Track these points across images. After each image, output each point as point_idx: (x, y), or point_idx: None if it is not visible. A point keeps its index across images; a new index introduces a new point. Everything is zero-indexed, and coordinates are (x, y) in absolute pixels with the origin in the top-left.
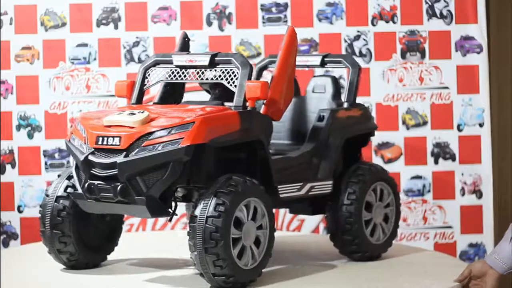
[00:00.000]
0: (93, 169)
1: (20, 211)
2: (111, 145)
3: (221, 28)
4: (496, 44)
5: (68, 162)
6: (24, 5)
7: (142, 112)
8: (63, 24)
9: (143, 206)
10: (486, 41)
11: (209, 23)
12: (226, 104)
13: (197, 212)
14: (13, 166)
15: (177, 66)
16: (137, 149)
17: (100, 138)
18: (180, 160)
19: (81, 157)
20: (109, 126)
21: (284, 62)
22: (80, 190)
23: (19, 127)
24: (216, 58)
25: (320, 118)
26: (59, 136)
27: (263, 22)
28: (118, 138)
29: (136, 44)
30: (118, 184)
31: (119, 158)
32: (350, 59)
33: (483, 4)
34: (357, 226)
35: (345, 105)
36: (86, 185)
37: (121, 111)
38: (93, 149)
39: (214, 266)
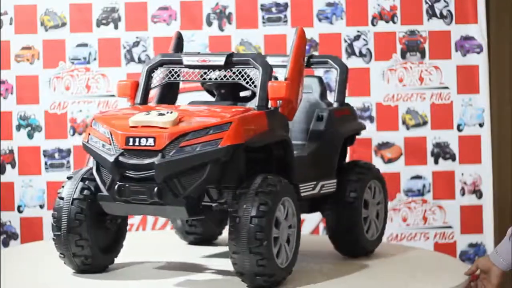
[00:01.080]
0: (125, 171)
1: (20, 211)
2: (145, 146)
3: (221, 28)
4: (496, 44)
5: (68, 162)
6: (24, 5)
7: (171, 113)
8: (63, 24)
9: (181, 207)
10: (486, 41)
11: (209, 23)
12: (238, 104)
13: (240, 212)
14: (13, 166)
15: (187, 66)
16: (174, 150)
17: (131, 139)
18: (219, 161)
19: (111, 159)
20: (135, 127)
21: (296, 62)
22: (105, 192)
23: (19, 127)
24: (232, 58)
25: (319, 118)
26: (59, 136)
27: (263, 22)
28: (152, 139)
29: (136, 44)
30: (154, 185)
31: (157, 159)
32: (337, 60)
33: (483, 4)
34: (358, 223)
35: (335, 105)
36: (116, 187)
37: (146, 111)
38: (122, 150)
39: (257, 266)
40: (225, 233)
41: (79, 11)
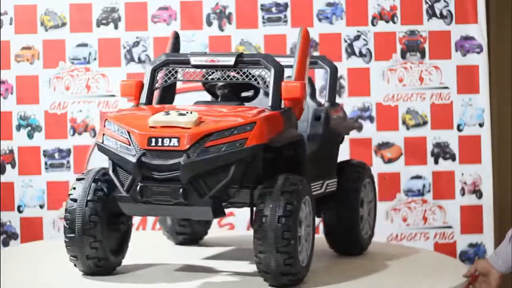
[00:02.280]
0: (148, 171)
1: (20, 211)
2: (168, 146)
3: (221, 28)
4: (496, 44)
5: (68, 162)
6: (24, 5)
7: (191, 113)
8: (63, 24)
9: (207, 208)
10: (486, 41)
11: (209, 23)
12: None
13: (266, 212)
14: (13, 166)
15: (194, 66)
16: (198, 150)
17: (153, 139)
18: (244, 161)
19: (133, 159)
20: (154, 127)
21: (302, 62)
22: (123, 193)
23: (19, 127)
24: (242, 58)
25: (317, 117)
26: (59, 136)
27: (263, 22)
28: (176, 139)
29: (136, 44)
30: (179, 186)
31: (183, 160)
32: (326, 60)
33: (483, 4)
34: (357, 222)
35: (326, 104)
36: (138, 187)
37: (165, 111)
38: (144, 151)
39: (284, 265)
40: (211, 233)
41: (79, 11)
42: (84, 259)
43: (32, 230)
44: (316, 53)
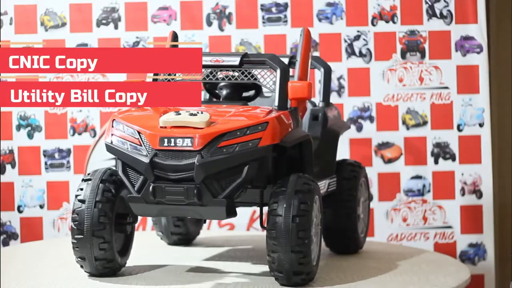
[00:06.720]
0: (161, 172)
1: (20, 211)
2: (181, 146)
3: (221, 28)
4: (496, 44)
5: (68, 162)
6: (24, 5)
7: (202, 113)
8: (63, 24)
9: (221, 208)
10: (486, 41)
11: (209, 23)
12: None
13: (280, 211)
14: (13, 166)
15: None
16: (211, 150)
17: (166, 140)
18: (257, 160)
19: (145, 160)
20: (165, 127)
21: (305, 63)
22: (134, 194)
23: (19, 127)
24: (248, 59)
25: (315, 117)
26: (59, 136)
27: (263, 22)
28: (189, 139)
29: (136, 44)
30: (193, 186)
31: (197, 160)
32: (320, 60)
33: (483, 4)
34: (354, 221)
35: (321, 104)
36: (151, 188)
37: (175, 111)
38: (156, 151)
39: (298, 264)
40: (203, 233)
41: (79, 11)
42: (92, 261)
43: (32, 230)
44: (316, 53)
